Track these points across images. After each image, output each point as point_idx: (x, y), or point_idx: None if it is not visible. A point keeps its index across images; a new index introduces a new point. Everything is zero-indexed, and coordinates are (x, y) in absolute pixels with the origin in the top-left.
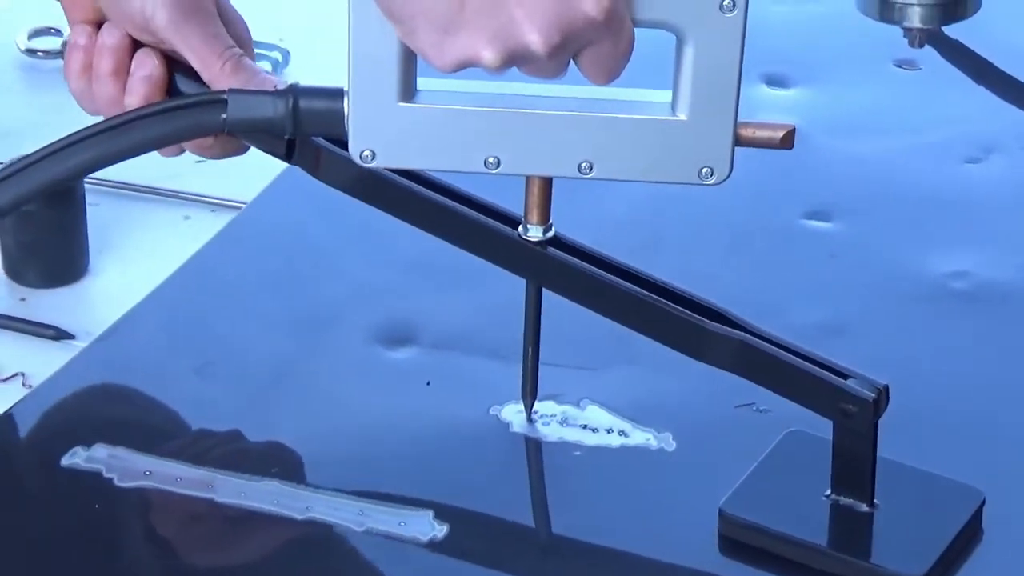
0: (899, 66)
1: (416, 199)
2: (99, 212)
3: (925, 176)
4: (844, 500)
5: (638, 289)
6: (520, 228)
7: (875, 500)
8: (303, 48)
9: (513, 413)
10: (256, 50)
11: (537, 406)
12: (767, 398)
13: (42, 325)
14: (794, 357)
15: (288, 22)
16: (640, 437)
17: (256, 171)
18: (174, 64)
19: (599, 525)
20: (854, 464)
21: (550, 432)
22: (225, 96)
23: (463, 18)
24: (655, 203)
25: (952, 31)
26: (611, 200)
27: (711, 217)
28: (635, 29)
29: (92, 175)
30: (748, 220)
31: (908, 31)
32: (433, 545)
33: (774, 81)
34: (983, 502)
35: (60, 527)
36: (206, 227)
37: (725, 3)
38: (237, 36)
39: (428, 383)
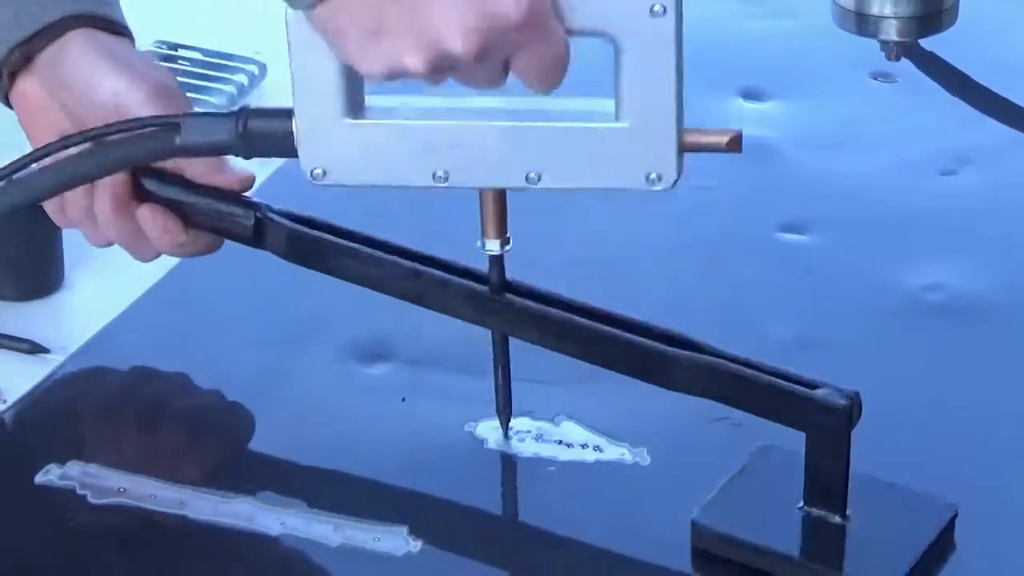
0: (875, 79)
1: (362, 259)
2: None
3: (900, 189)
4: (817, 512)
5: (599, 326)
6: (478, 243)
7: (848, 512)
8: (280, 61)
9: (489, 430)
10: (232, 63)
11: (512, 422)
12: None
13: (16, 339)
14: (762, 375)
15: (265, 35)
16: (615, 452)
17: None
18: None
19: (573, 539)
20: (827, 476)
21: (525, 448)
22: (179, 120)
23: (386, 26)
24: (631, 217)
25: (928, 44)
26: (586, 215)
27: (687, 230)
28: (571, 39)
29: None
30: (724, 233)
31: (885, 44)
32: (408, 560)
33: (750, 95)
34: (955, 515)
35: (33, 545)
36: None
37: (655, 8)
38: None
39: (403, 399)
